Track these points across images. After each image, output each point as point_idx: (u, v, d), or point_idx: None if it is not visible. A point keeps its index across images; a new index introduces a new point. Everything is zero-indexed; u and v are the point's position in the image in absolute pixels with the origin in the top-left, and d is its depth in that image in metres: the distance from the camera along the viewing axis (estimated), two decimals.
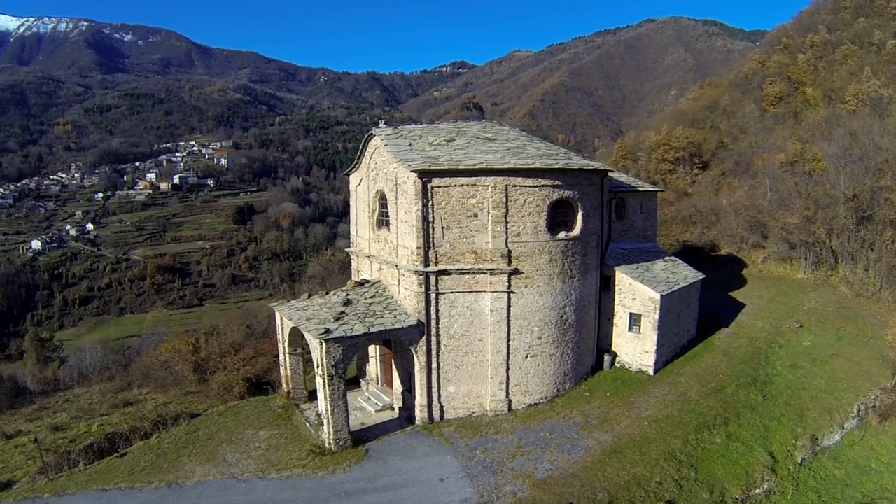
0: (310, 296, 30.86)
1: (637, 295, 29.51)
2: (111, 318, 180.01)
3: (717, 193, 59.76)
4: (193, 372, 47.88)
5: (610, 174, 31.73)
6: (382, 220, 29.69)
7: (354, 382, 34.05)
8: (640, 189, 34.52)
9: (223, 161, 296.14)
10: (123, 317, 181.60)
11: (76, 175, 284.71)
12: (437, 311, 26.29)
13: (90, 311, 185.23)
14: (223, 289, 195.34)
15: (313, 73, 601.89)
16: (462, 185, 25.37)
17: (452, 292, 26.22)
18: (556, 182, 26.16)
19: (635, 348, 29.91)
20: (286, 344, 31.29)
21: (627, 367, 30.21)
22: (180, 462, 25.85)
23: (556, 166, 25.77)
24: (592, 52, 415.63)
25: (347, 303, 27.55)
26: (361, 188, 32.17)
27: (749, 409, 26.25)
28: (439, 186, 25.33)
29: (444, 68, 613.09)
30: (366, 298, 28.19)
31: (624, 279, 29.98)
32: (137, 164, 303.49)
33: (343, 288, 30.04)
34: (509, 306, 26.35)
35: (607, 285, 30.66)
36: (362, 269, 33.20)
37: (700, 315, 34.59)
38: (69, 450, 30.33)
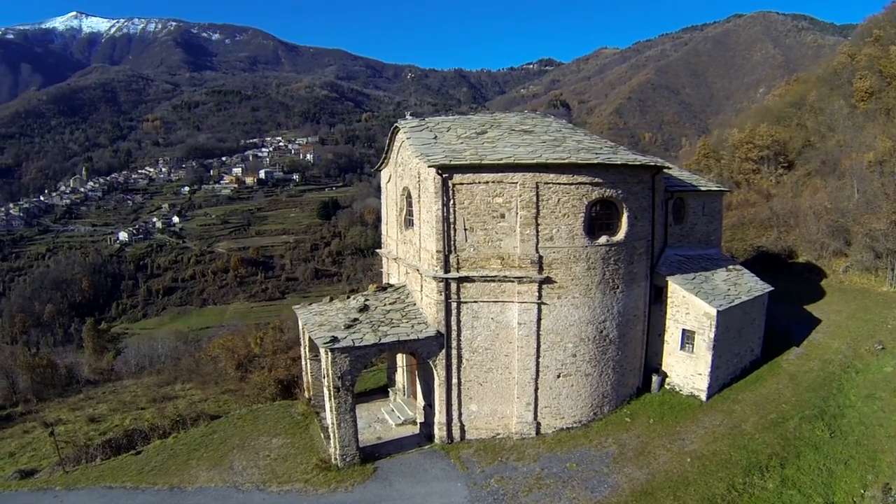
0: (331, 299, 28.94)
1: (691, 309, 25.94)
2: (193, 309, 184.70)
3: (799, 195, 54.34)
4: (235, 370, 47.33)
5: (666, 171, 28.29)
6: (409, 220, 27.38)
7: (382, 391, 32.17)
8: (703, 188, 30.73)
9: (309, 156, 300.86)
10: (206, 308, 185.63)
11: (163, 169, 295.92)
12: (459, 321, 23.73)
13: (173, 301, 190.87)
14: (305, 283, 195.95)
15: (400, 70, 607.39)
16: (487, 183, 22.69)
17: (476, 301, 23.58)
18: (596, 179, 23.00)
19: (687, 369, 26.34)
20: (307, 349, 29.68)
21: (678, 389, 26.68)
22: (188, 465, 25.36)
23: (595, 161, 22.59)
24: (679, 49, 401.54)
25: (364, 309, 25.47)
26: (391, 185, 30.04)
27: (812, 447, 22.11)
28: (461, 183, 22.75)
29: (531, 65, 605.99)
30: (385, 305, 25.99)
31: (677, 291, 26.43)
32: (224, 158, 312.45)
33: (364, 292, 27.97)
34: (539, 319, 23.44)
35: (659, 297, 27.21)
36: (391, 273, 31.13)
37: (768, 330, 30.48)
38: (88, 444, 30.29)
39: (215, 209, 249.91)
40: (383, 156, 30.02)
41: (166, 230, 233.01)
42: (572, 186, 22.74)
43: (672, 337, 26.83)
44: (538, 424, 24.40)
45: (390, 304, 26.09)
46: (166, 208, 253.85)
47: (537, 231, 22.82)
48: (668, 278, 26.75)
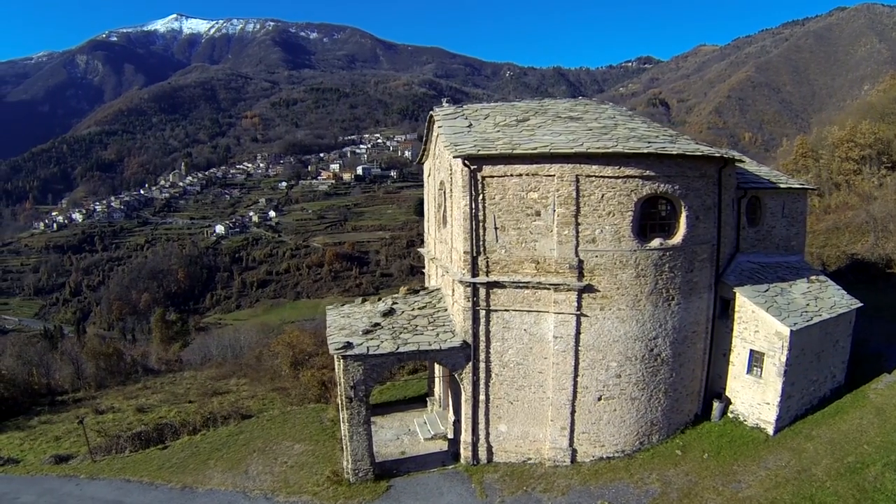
0: (363, 300, 27.08)
1: (761, 327, 22.23)
2: (287, 302, 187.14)
3: None
4: (290, 367, 46.54)
5: (739, 164, 24.63)
6: (445, 218, 25.11)
7: (421, 400, 30.12)
8: (783, 186, 26.58)
9: (407, 153, 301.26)
10: (299, 301, 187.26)
11: (261, 165, 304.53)
12: (488, 331, 21.28)
13: (267, 294, 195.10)
14: (400, 279, 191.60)
15: (498, 68, 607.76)
16: (520, 175, 20.06)
17: (507, 310, 21.03)
18: (648, 172, 19.77)
19: (754, 397, 22.63)
20: None
21: (742, 419, 22.98)
22: (206, 465, 25.03)
23: (646, 151, 19.38)
24: (780, 45, 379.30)
25: (389, 313, 23.53)
26: (430, 179, 27.87)
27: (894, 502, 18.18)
28: (492, 176, 20.27)
29: (630, 63, 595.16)
30: (413, 309, 23.92)
31: (745, 305, 22.74)
32: (322, 155, 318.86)
33: (394, 294, 25.98)
34: (578, 333, 20.58)
35: (726, 311, 23.60)
36: (431, 274, 28.97)
37: (856, 352, 26.00)
38: (119, 435, 30.74)
39: (312, 204, 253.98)
40: (422, 147, 27.91)
41: (262, 224, 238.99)
42: (619, 180, 19.73)
43: (738, 358, 23.15)
44: (574, 451, 21.59)
45: (419, 308, 23.99)
46: (263, 203, 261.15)
47: (577, 231, 19.97)
48: (737, 289, 23.09)
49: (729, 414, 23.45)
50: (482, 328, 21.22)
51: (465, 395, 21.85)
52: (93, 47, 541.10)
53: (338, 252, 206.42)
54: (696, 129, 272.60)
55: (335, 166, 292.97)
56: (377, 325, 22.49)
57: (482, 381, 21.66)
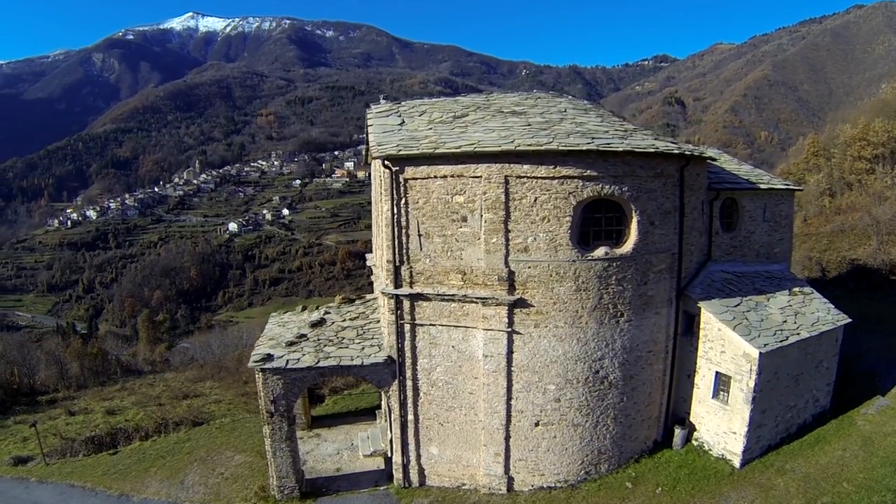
0: (303, 309, 25.29)
1: (727, 347, 19.83)
2: (299, 300, 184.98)
3: None
4: None
5: (711, 161, 22.24)
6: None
7: (372, 413, 28.10)
8: (763, 186, 23.99)
9: None
10: (311, 299, 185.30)
11: (276, 162, 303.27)
12: (414, 347, 19.33)
13: (279, 291, 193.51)
14: None
15: (514, 67, 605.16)
16: (445, 177, 17.93)
17: (433, 325, 19.01)
18: (589, 172, 17.45)
19: (720, 424, 20.28)
20: None
21: (707, 448, 20.64)
22: (147, 473, 24.57)
23: (585, 147, 17.11)
24: (797, 43, 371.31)
25: (319, 323, 21.81)
26: (374, 182, 25.81)
27: None
28: (415, 178, 18.18)
29: (646, 62, 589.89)
30: (344, 320, 22.16)
31: (711, 321, 20.32)
32: (336, 152, 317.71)
33: (329, 304, 24.11)
34: (511, 352, 18.47)
35: (691, 327, 21.26)
36: (375, 283, 26.97)
37: (847, 369, 23.56)
38: (74, 438, 30.17)
39: (325, 202, 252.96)
40: (365, 148, 25.78)
41: (276, 222, 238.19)
42: (555, 181, 17.46)
43: (703, 381, 20.77)
44: (511, 479, 19.51)
45: (350, 319, 22.17)
46: (277, 201, 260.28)
47: (507, 239, 17.80)
48: (702, 303, 20.66)
49: (693, 442, 21.13)
50: (408, 343, 19.29)
51: (394, 415, 19.98)
52: (109, 45, 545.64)
53: (351, 250, 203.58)
54: (711, 128, 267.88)
55: (349, 164, 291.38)
56: (303, 336, 20.87)
57: (410, 401, 19.78)
